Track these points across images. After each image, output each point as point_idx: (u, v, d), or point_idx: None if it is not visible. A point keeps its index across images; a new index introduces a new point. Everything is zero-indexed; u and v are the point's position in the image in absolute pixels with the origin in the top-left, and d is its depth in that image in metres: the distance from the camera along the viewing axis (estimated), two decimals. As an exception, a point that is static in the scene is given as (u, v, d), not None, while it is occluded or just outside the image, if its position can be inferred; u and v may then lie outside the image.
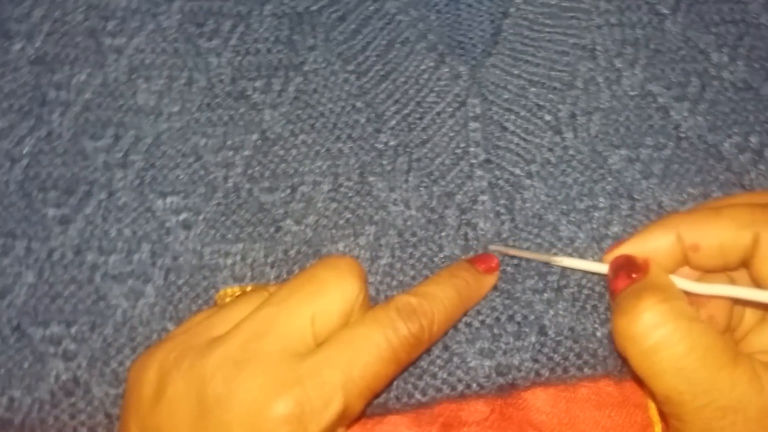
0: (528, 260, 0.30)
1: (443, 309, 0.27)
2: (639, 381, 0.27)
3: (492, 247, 0.31)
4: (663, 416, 0.26)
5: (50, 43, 0.33)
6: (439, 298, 0.27)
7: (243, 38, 0.34)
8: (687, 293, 0.26)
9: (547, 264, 0.30)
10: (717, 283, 0.26)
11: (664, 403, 0.25)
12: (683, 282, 0.26)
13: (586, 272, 0.30)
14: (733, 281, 0.27)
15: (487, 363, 0.29)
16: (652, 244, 0.27)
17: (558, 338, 0.29)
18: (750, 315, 0.28)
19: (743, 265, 0.26)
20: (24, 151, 0.32)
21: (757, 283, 0.26)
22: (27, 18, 0.34)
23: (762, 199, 0.27)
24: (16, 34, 0.33)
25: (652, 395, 0.25)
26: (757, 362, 0.24)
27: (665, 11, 0.35)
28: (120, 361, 0.29)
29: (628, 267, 0.26)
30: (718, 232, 0.26)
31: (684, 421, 0.24)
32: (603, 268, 0.28)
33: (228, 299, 0.28)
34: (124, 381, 0.29)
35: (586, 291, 0.30)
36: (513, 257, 0.31)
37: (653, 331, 0.24)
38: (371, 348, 0.25)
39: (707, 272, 0.27)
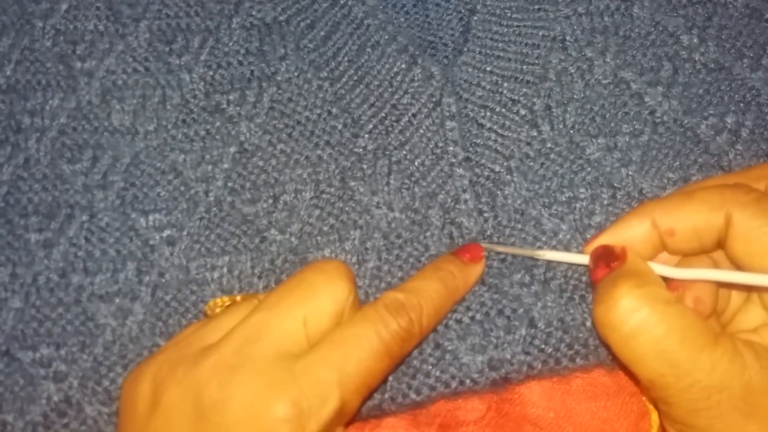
0: (514, 255, 0.31)
1: (431, 302, 0.27)
2: (625, 369, 0.27)
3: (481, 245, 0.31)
4: (653, 402, 0.26)
5: (20, 71, 0.33)
6: (426, 291, 0.27)
7: (213, 52, 0.34)
8: (669, 278, 0.27)
9: (532, 258, 0.30)
10: (697, 267, 0.27)
11: (649, 388, 0.25)
12: (662, 268, 0.26)
13: (570, 264, 0.30)
14: (716, 263, 0.27)
15: (480, 358, 0.29)
16: (629, 233, 0.27)
17: (548, 330, 0.29)
18: (736, 296, 0.28)
19: (719, 247, 0.26)
20: (3, 179, 0.32)
21: (733, 263, 0.26)
22: (-4, 47, 0.34)
23: (733, 179, 0.28)
24: (-14, 64, 0.33)
25: (638, 381, 0.25)
26: (738, 341, 0.24)
27: None
28: (111, 379, 0.29)
29: (607, 256, 0.27)
30: (690, 216, 0.26)
31: (670, 404, 0.24)
32: (585, 259, 0.28)
33: (218, 309, 0.28)
34: (117, 399, 0.29)
35: (573, 282, 0.30)
36: (499, 253, 0.31)
37: (630, 316, 0.24)
38: (363, 344, 0.25)
39: (688, 256, 0.28)
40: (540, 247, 0.31)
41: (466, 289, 0.30)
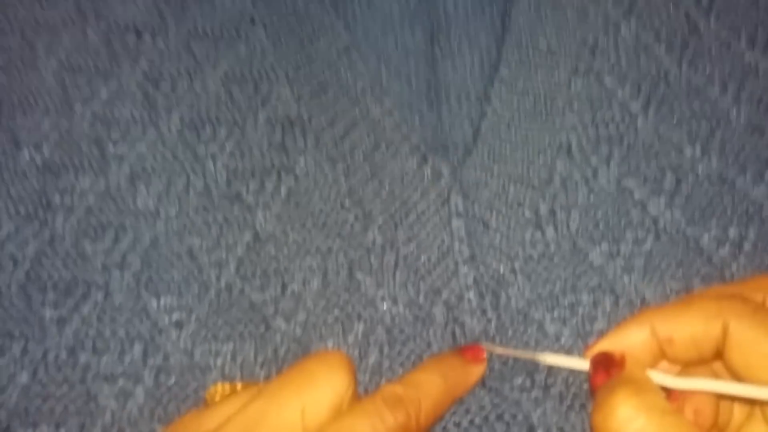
0: (515, 357, 0.31)
1: (430, 396, 0.27)
2: None
3: (483, 345, 0.31)
4: None
5: (57, 152, 0.36)
6: (425, 385, 0.27)
7: (238, 143, 0.36)
8: (669, 389, 0.26)
9: (533, 361, 0.30)
10: (696, 377, 0.26)
11: None
12: (661, 377, 0.27)
13: (570, 369, 0.30)
14: (715, 374, 0.27)
15: (476, 463, 0.29)
16: (629, 340, 0.27)
17: (546, 437, 0.29)
18: (738, 411, 0.28)
19: (718, 357, 0.26)
20: (27, 254, 0.33)
21: (732, 374, 0.26)
22: (36, 129, 0.36)
23: (732, 289, 0.28)
24: (26, 144, 0.36)
25: None
26: None
27: (636, 108, 0.36)
28: (107, 464, 0.29)
29: (606, 363, 0.27)
30: (688, 325, 0.26)
31: None
32: (586, 364, 0.28)
33: (218, 397, 0.29)
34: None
35: (573, 389, 0.30)
36: (501, 355, 0.31)
37: (627, 425, 0.24)
38: None
39: (687, 366, 0.28)
40: (541, 351, 0.31)
41: (467, 388, 0.30)
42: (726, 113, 0.36)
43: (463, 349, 0.30)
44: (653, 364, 0.28)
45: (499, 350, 0.31)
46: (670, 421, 0.24)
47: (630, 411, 0.24)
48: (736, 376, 0.26)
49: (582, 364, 0.29)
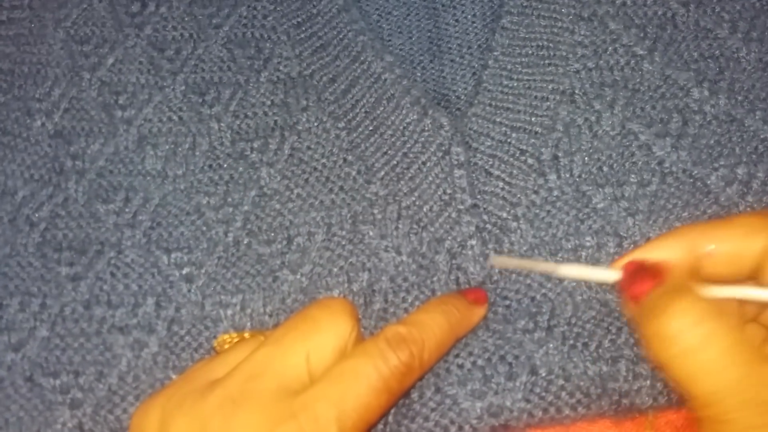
0: (526, 285, 0.30)
1: (433, 336, 0.28)
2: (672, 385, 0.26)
3: (494, 262, 0.31)
4: (696, 422, 0.25)
5: (67, 118, 0.37)
6: (428, 325, 0.28)
7: (241, 104, 0.37)
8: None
9: (540, 300, 0.30)
10: (739, 286, 0.26)
11: (705, 406, 0.24)
12: (705, 289, 0.26)
13: (593, 281, 0.29)
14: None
15: (479, 404, 0.29)
16: (664, 253, 0.27)
17: (549, 377, 0.29)
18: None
19: (753, 276, 0.26)
20: (42, 216, 0.35)
21: None
22: (47, 97, 0.37)
23: None
24: (37, 112, 0.37)
25: (691, 400, 0.24)
26: None
27: (642, 52, 0.36)
28: (124, 408, 0.30)
29: (646, 270, 0.26)
30: (731, 238, 0.26)
31: (725, 421, 0.23)
32: (612, 275, 0.28)
33: (226, 345, 0.30)
34: (127, 429, 0.30)
35: (576, 329, 0.30)
36: (505, 298, 0.31)
37: (690, 331, 0.23)
38: (362, 380, 0.26)
39: (718, 284, 0.27)
40: (560, 263, 0.30)
41: (468, 328, 0.30)
42: (735, 53, 0.35)
43: (466, 290, 0.30)
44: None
45: (513, 263, 0.30)
46: (733, 325, 0.23)
47: (693, 317, 0.23)
48: None
49: (607, 274, 0.28)
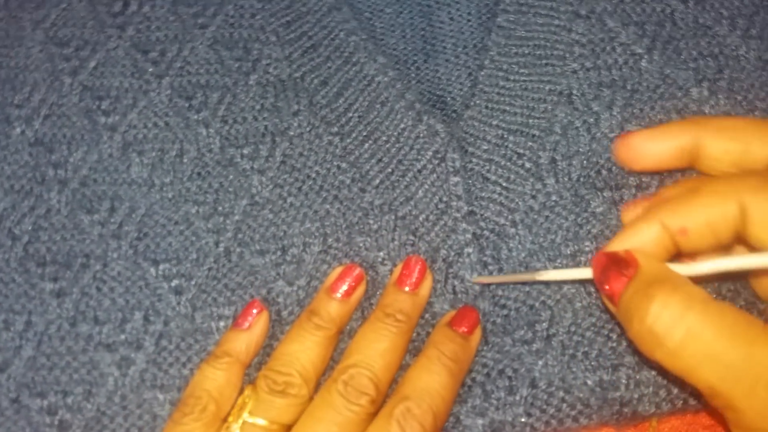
0: (525, 292, 0.30)
1: (442, 402, 0.27)
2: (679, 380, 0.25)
3: (475, 280, 0.31)
4: (716, 413, 0.24)
5: (48, 125, 0.35)
6: (435, 390, 0.27)
7: (230, 108, 0.35)
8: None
9: (538, 308, 0.30)
10: (717, 258, 0.25)
11: (712, 396, 0.23)
12: (679, 267, 0.25)
13: (574, 281, 0.29)
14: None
15: (480, 421, 0.28)
16: (639, 238, 0.26)
17: (549, 390, 0.28)
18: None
19: (737, 239, 0.25)
20: (24, 229, 0.33)
21: (758, 250, 0.24)
22: (27, 103, 0.36)
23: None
24: (17, 119, 0.35)
25: (698, 392, 0.24)
26: None
27: (640, 51, 0.35)
28: (113, 430, 0.30)
29: (616, 264, 0.25)
30: (702, 210, 0.25)
31: (738, 409, 0.22)
32: (587, 272, 0.27)
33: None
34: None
35: (576, 338, 0.30)
36: (504, 307, 0.31)
37: (675, 327, 0.22)
38: None
39: (701, 255, 0.26)
40: (538, 270, 0.30)
41: (469, 363, 0.29)
42: (735, 50, 0.35)
43: (458, 320, 0.29)
44: (666, 261, 0.26)
45: (494, 280, 0.30)
46: (715, 309, 0.22)
47: (674, 311, 0.22)
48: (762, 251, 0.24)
49: (585, 272, 0.27)
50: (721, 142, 0.27)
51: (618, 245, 0.26)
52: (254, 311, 0.31)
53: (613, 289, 0.25)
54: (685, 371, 0.23)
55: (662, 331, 0.23)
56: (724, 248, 0.26)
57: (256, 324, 0.30)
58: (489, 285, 0.31)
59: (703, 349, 0.22)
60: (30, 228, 0.33)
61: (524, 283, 0.30)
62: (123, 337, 0.31)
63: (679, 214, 0.25)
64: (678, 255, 0.26)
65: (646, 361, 0.29)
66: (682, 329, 0.22)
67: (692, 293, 0.23)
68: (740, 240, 0.25)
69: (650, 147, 0.29)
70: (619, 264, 0.25)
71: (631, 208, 0.29)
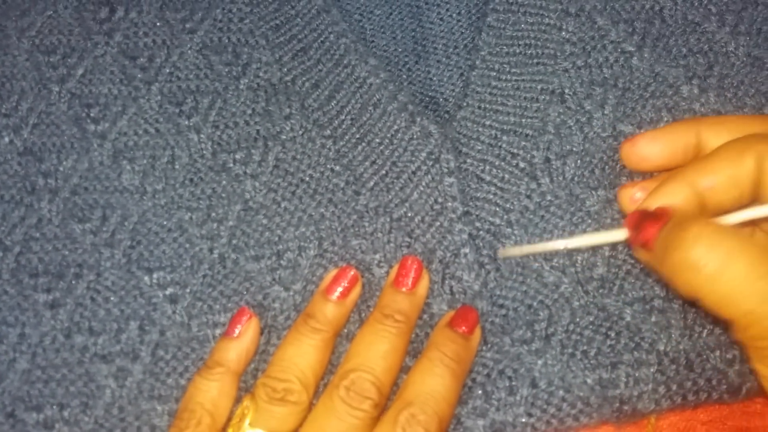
0: (523, 292, 0.30)
1: (446, 405, 0.27)
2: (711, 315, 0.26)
3: (502, 253, 0.31)
4: (746, 344, 0.25)
5: (37, 134, 0.35)
6: (439, 393, 0.27)
7: (221, 113, 0.35)
8: None
9: (536, 307, 0.30)
10: (743, 210, 0.26)
11: (747, 325, 0.23)
12: (715, 219, 0.26)
13: (602, 245, 0.29)
14: None
15: (481, 422, 0.28)
16: (670, 198, 0.27)
17: (550, 389, 0.29)
18: None
19: (754, 196, 0.26)
20: (15, 239, 0.33)
21: None
22: (14, 112, 0.35)
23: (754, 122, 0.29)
24: (4, 128, 0.35)
25: (730, 325, 0.24)
26: None
27: (631, 48, 0.35)
28: (111, 443, 0.29)
29: (650, 215, 0.26)
30: (724, 166, 0.26)
31: None
32: (619, 234, 0.28)
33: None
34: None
35: (575, 336, 0.30)
36: (502, 306, 0.31)
37: (712, 252, 0.23)
38: None
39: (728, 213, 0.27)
40: (565, 239, 0.30)
41: (471, 362, 0.29)
42: (724, 47, 0.35)
43: (457, 320, 0.29)
44: None
45: (522, 251, 0.30)
46: (749, 240, 0.23)
47: (711, 239, 0.23)
48: None
49: (614, 234, 0.28)
50: (721, 135, 0.28)
51: (651, 204, 0.27)
52: (244, 319, 0.30)
53: (648, 234, 0.26)
54: (723, 298, 0.23)
55: (699, 257, 0.23)
56: (746, 202, 0.27)
57: (246, 332, 0.30)
58: (486, 287, 0.31)
59: (742, 273, 0.23)
60: (21, 238, 0.33)
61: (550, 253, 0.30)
62: (119, 347, 0.31)
63: (705, 172, 0.27)
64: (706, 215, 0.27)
65: (644, 359, 0.29)
66: (720, 254, 0.23)
67: (723, 228, 0.24)
68: (756, 198, 0.26)
69: (655, 148, 0.30)
70: (653, 215, 0.26)
71: (629, 188, 0.30)
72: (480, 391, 0.29)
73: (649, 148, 0.30)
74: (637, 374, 0.29)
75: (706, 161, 0.27)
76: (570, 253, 0.31)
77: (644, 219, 0.26)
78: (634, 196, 0.29)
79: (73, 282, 0.32)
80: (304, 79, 0.36)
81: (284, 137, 0.35)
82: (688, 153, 0.29)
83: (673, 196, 0.27)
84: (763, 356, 0.24)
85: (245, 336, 0.30)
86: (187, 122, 0.35)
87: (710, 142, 0.29)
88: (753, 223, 0.27)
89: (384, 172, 0.34)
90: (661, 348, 0.29)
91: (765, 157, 0.25)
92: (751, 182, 0.26)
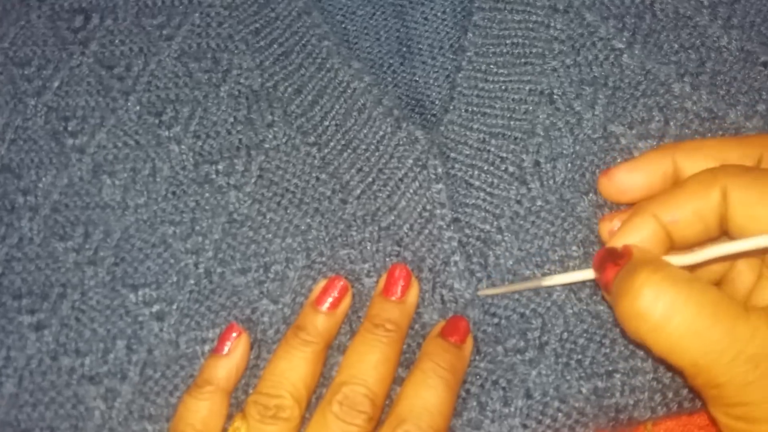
0: (515, 300, 0.30)
1: (441, 418, 0.27)
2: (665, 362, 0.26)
3: (481, 293, 0.30)
4: (699, 391, 0.25)
5: (14, 150, 0.34)
6: (434, 406, 0.27)
7: (202, 122, 0.34)
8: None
9: (529, 315, 0.30)
10: (705, 247, 0.26)
11: (695, 375, 0.23)
12: (674, 258, 0.26)
13: (579, 282, 0.29)
14: None
15: (475, 434, 0.28)
16: (636, 233, 0.26)
17: (544, 400, 0.28)
18: (747, 274, 0.27)
19: (722, 228, 0.26)
20: (-4, 261, 0.32)
21: (739, 235, 0.25)
22: (-10, 129, 0.34)
23: (730, 143, 0.28)
24: (-20, 147, 0.34)
25: (682, 374, 0.24)
26: (765, 309, 0.23)
27: (621, 45, 0.34)
28: (102, 468, 0.29)
29: (612, 256, 0.26)
30: (688, 200, 0.26)
31: (719, 385, 0.23)
32: (590, 273, 0.28)
33: None
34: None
35: (569, 345, 0.29)
36: (494, 315, 0.30)
37: (657, 302, 0.23)
38: None
39: (695, 247, 0.27)
40: (542, 275, 0.30)
41: (464, 372, 0.29)
42: (716, 41, 0.34)
43: (448, 330, 0.29)
44: (663, 255, 0.27)
45: (497, 291, 0.30)
46: (698, 287, 0.23)
47: (655, 287, 0.23)
48: (743, 236, 0.25)
49: (587, 274, 0.28)
50: (697, 162, 0.28)
51: (617, 242, 0.27)
52: (233, 335, 0.30)
53: (607, 277, 0.26)
54: (669, 347, 0.23)
55: (645, 306, 0.23)
56: (714, 240, 0.27)
57: (236, 348, 0.30)
58: (478, 294, 0.31)
59: (685, 323, 0.23)
60: (3, 258, 0.32)
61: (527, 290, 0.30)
62: (106, 368, 0.30)
63: (668, 205, 0.26)
64: (674, 249, 0.27)
65: (640, 367, 0.29)
66: (664, 303, 0.23)
67: (674, 273, 0.24)
68: (725, 231, 0.26)
69: (633, 179, 0.29)
70: (614, 255, 0.26)
71: (607, 222, 0.29)
72: (474, 403, 0.29)
73: (626, 180, 0.29)
74: (632, 382, 0.29)
75: (671, 194, 0.26)
76: (561, 259, 0.31)
77: (606, 259, 0.26)
78: (613, 229, 0.29)
79: (58, 302, 0.31)
80: (286, 84, 0.35)
81: (267, 146, 0.34)
82: (667, 180, 0.28)
83: (638, 232, 0.26)
84: (716, 404, 0.24)
85: (235, 353, 0.30)
86: (167, 133, 0.34)
87: (686, 169, 0.28)
88: (732, 256, 0.27)
89: (371, 179, 0.33)
90: (655, 354, 0.29)
91: (732, 190, 0.25)
92: (716, 216, 0.25)
